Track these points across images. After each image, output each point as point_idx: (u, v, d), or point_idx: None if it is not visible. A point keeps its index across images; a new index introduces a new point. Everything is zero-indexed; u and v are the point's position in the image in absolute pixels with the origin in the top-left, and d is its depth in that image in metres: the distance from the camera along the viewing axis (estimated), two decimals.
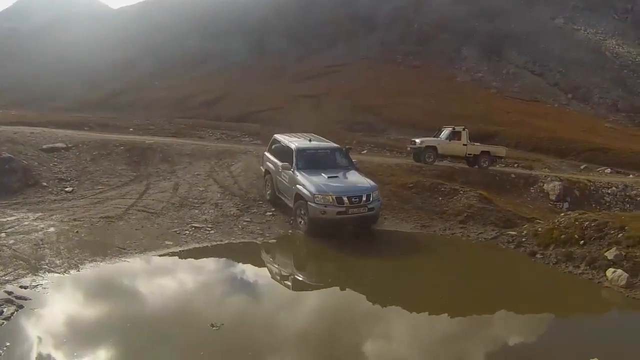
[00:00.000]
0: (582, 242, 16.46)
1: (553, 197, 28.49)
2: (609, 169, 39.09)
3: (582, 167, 39.58)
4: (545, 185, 29.34)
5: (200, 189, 21.34)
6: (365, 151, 37.77)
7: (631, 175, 36.90)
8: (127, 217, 17.21)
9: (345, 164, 20.13)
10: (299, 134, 22.58)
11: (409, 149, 33.07)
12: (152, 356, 9.23)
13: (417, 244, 18.62)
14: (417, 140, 31.72)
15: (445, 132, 32.30)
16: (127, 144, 26.50)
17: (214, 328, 9.89)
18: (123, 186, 21.62)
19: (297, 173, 18.35)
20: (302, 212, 17.70)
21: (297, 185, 17.99)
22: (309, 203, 17.19)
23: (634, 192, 29.77)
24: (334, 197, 17.16)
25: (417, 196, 23.37)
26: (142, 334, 9.94)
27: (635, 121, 64.09)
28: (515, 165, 36.85)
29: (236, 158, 26.63)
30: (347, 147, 23.29)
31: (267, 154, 21.67)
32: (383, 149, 40.34)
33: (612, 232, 16.32)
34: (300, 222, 17.92)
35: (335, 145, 21.84)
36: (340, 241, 17.23)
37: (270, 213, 19.75)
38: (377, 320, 11.86)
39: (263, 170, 21.69)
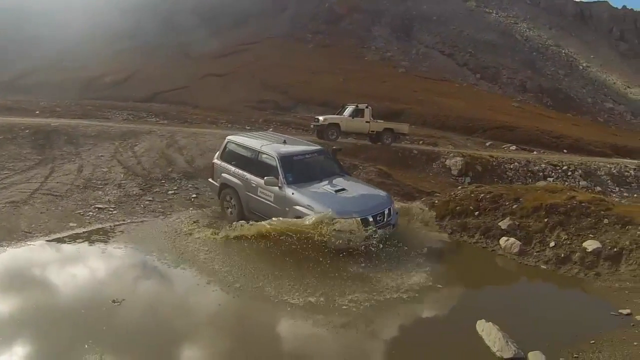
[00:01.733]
0: (477, 213, 15.94)
1: (455, 172, 28.53)
2: (514, 146, 39.40)
3: (487, 144, 39.67)
4: (447, 160, 29.44)
5: (104, 170, 20.65)
6: (271, 129, 36.77)
7: (535, 152, 37.45)
8: (32, 201, 16.63)
9: (337, 169, 15.73)
10: (259, 132, 18.96)
11: (312, 126, 32.75)
12: (56, 333, 9.22)
13: None
14: (321, 118, 31.46)
15: (349, 109, 32.15)
16: (33, 127, 25.25)
17: (115, 304, 10.11)
18: (28, 170, 20.16)
19: (289, 190, 13.64)
20: None
21: (297, 207, 13.25)
22: None
23: (536, 167, 30.36)
24: (358, 219, 12.85)
25: None
26: (47, 313, 9.93)
27: (543, 101, 65.82)
28: (421, 142, 36.38)
29: (140, 138, 25.87)
30: (335, 148, 19.18)
31: (220, 162, 16.23)
32: (289, 127, 39.45)
33: (506, 203, 16.07)
34: None
35: (319, 146, 17.07)
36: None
37: (172, 192, 19.16)
38: (269, 303, 10.90)
39: (217, 184, 16.24)
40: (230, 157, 16.04)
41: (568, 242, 13.81)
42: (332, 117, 31.78)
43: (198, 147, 24.44)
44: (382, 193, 15.32)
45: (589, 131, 52.13)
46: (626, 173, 34.05)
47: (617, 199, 27.87)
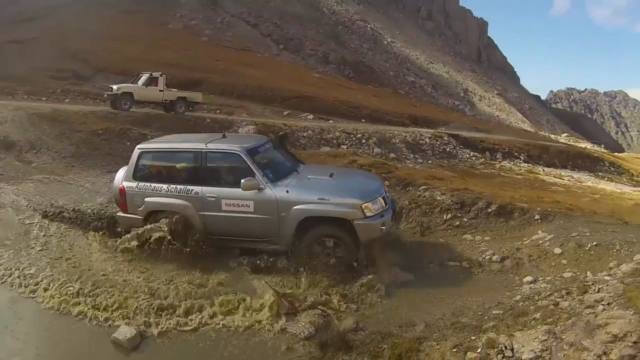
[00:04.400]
0: None
1: None
2: (312, 115, 39.76)
3: (285, 113, 39.62)
4: (240, 129, 29.10)
5: None
6: (67, 100, 35.20)
7: (331, 121, 37.79)
8: None
9: (293, 160, 12.55)
10: (173, 135, 14.53)
11: (105, 95, 32.03)
12: None
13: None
14: (114, 87, 30.60)
15: (143, 78, 31.57)
16: None
17: None
18: None
19: (280, 189, 10.34)
20: (329, 245, 10.38)
21: (302, 207, 10.13)
22: (355, 222, 10.00)
23: (330, 135, 30.61)
24: (381, 199, 10.63)
25: (106, 142, 22.80)
26: None
27: (345, 73, 67.34)
28: (217, 111, 35.88)
29: None
30: (281, 134, 17.33)
31: (134, 184, 11.19)
32: (87, 97, 37.92)
33: None
34: (328, 261, 10.36)
35: (265, 137, 13.82)
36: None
37: None
38: None
39: (139, 216, 11.13)
40: (151, 173, 11.49)
41: None
42: (126, 86, 31.00)
43: None
44: (369, 173, 14.38)
45: (389, 102, 54.07)
46: (421, 141, 35.11)
47: (411, 165, 28.90)
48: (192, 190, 10.71)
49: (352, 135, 31.69)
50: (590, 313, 6.30)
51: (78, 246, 11.27)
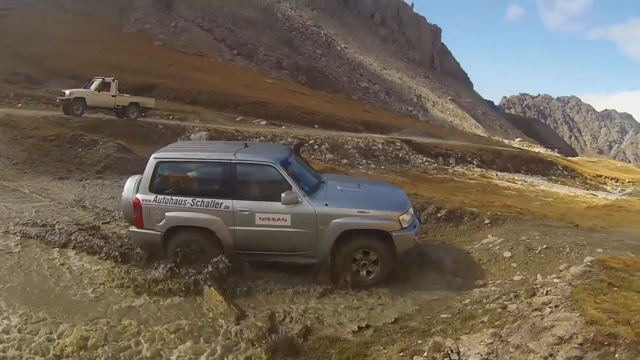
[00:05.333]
0: None
1: None
2: (265, 121, 39.78)
3: (238, 119, 39.52)
4: (192, 135, 28.95)
5: None
6: (20, 105, 34.25)
7: (283, 127, 37.76)
8: None
9: (313, 170, 12.28)
10: (175, 144, 15.03)
11: (58, 100, 31.43)
12: None
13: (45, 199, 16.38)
14: (67, 92, 30.14)
15: (95, 83, 31.05)
16: None
17: None
18: None
19: (318, 203, 9.92)
20: (368, 257, 10.02)
21: (342, 220, 9.78)
22: (394, 234, 9.86)
23: (282, 141, 30.37)
24: (411, 210, 10.61)
25: (58, 148, 21.85)
26: None
27: (298, 79, 67.51)
28: (170, 117, 35.54)
29: None
30: (296, 143, 17.28)
31: (151, 197, 10.05)
32: (40, 102, 37.02)
33: None
34: (364, 273, 10.05)
35: (287, 147, 14.21)
36: None
37: None
38: None
39: (157, 232, 10.07)
40: (170, 184, 10.41)
41: None
42: (78, 91, 30.53)
43: None
44: (387, 182, 14.47)
45: (342, 108, 54.34)
46: (374, 147, 35.25)
47: (363, 171, 29.15)
48: (221, 203, 9.89)
49: (304, 141, 31.58)
50: (537, 315, 6.35)
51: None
